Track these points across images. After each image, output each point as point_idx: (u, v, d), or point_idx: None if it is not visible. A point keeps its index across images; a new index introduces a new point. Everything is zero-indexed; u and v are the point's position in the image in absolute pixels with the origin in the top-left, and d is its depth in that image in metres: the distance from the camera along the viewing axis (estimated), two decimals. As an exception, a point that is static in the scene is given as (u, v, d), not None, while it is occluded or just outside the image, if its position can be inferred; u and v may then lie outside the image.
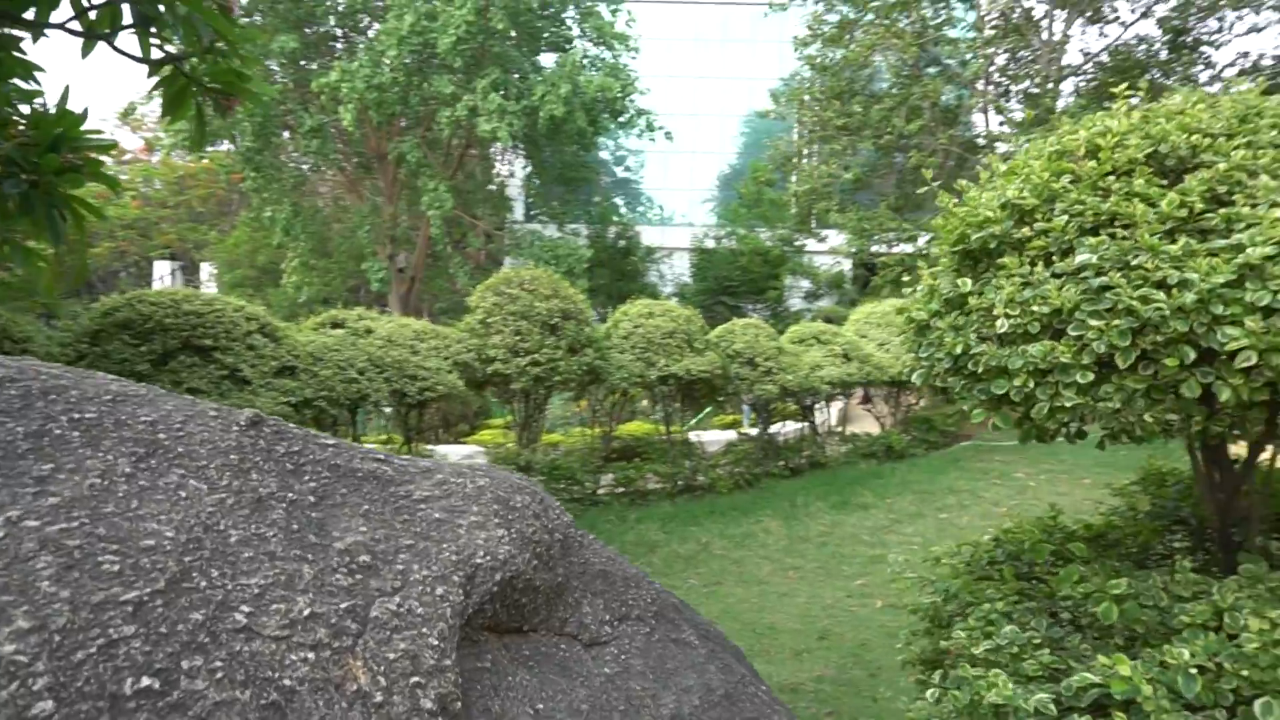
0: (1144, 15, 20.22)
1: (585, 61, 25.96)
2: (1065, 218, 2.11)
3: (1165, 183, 2.06)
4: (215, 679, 1.23)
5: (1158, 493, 3.16)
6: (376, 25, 25.29)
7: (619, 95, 25.11)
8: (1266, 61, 19.20)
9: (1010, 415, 2.20)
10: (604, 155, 37.86)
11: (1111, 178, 2.12)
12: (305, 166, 29.11)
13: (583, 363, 11.35)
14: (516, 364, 10.95)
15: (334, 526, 1.81)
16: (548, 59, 28.02)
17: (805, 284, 31.10)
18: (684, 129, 32.70)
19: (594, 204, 33.93)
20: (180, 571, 1.38)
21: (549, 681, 2.21)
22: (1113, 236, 2.01)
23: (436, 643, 1.68)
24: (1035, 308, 2.05)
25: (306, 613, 1.46)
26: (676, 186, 38.97)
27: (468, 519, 2.18)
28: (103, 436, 1.63)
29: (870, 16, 21.00)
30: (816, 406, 14.95)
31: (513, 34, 24.77)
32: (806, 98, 21.90)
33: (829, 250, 26.38)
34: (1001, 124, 20.15)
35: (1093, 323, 1.94)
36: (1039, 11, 20.40)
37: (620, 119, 26.46)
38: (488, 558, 2.08)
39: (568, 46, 26.87)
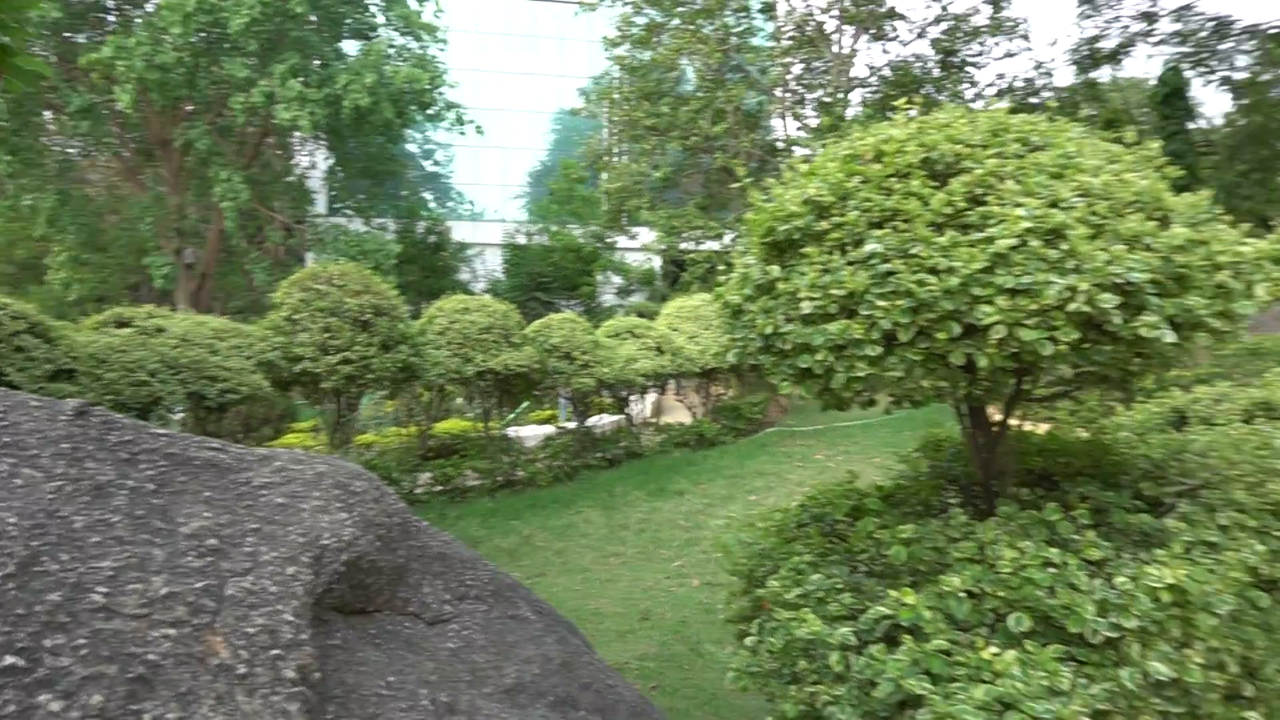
0: (920, 35, 22.25)
1: (392, 51, 25.18)
2: (856, 213, 2.43)
3: (936, 184, 2.43)
4: (80, 655, 1.24)
5: (935, 457, 3.63)
6: (156, -1, 23.32)
7: (427, 87, 24.56)
8: (1019, 83, 21.67)
9: (813, 387, 2.50)
10: (412, 148, 36.80)
11: (894, 179, 2.47)
12: (73, 151, 26.33)
13: (397, 360, 11.09)
14: (327, 362, 10.55)
15: (178, 512, 1.80)
16: (351, 46, 26.92)
17: (617, 280, 31.73)
18: (494, 124, 32.38)
19: (402, 198, 32.94)
20: (29, 556, 1.36)
21: (397, 657, 2.28)
22: (895, 229, 2.35)
23: (292, 618, 1.73)
24: (833, 291, 2.35)
25: (164, 592, 1.48)
26: (487, 182, 38.53)
27: (310, 503, 2.22)
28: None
29: (676, 21, 21.76)
30: (632, 398, 15.38)
31: (313, 18, 23.61)
32: (616, 97, 22.38)
33: (640, 247, 27.07)
34: (799, 129, 21.50)
35: (880, 304, 2.25)
36: (830, 26, 21.95)
37: (429, 111, 25.88)
38: (333, 539, 2.13)
39: (372, 35, 25.94)
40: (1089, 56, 23.61)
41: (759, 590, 3.15)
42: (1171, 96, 23.04)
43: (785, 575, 2.84)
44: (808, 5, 21.76)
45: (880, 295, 2.25)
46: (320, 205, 31.05)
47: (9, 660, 1.16)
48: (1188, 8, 24.32)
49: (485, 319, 12.19)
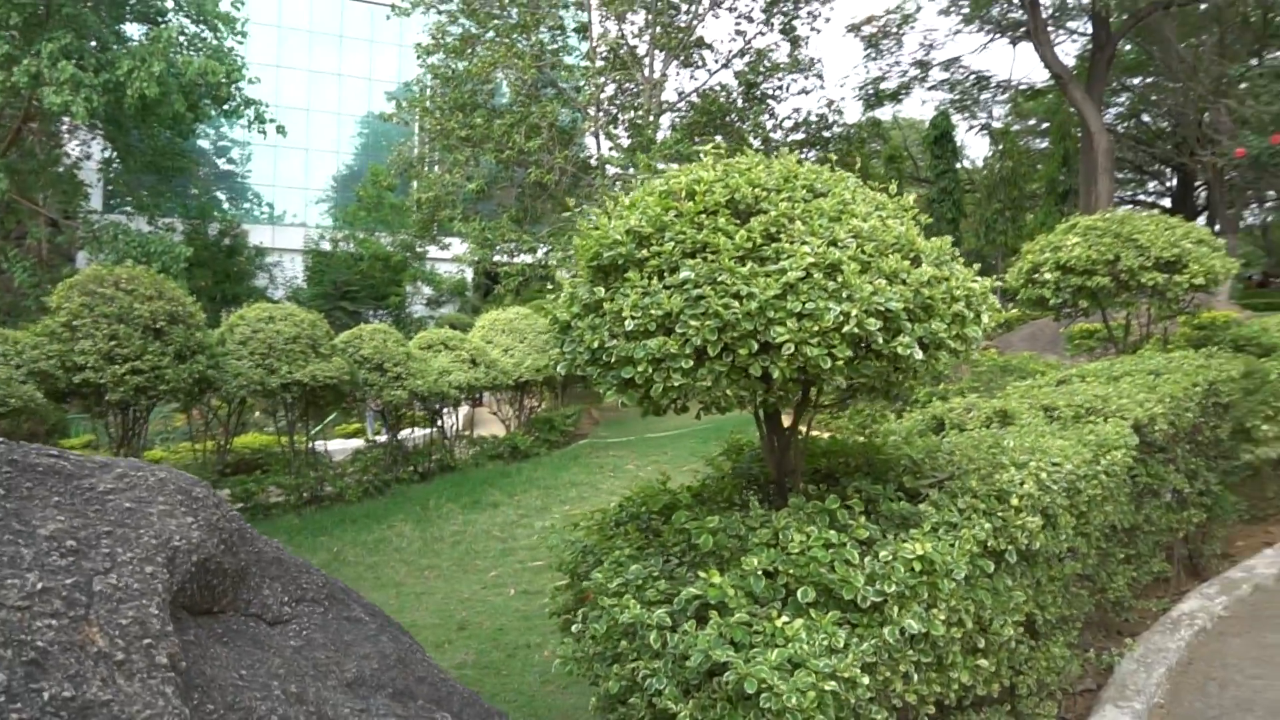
0: (725, 66, 23.63)
1: (183, 40, 23.54)
2: (672, 244, 2.79)
3: (739, 222, 2.83)
4: (-29, 643, 1.31)
5: (737, 459, 4.08)
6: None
7: (224, 80, 23.16)
8: (813, 117, 23.49)
9: (635, 395, 2.83)
10: (204, 144, 34.41)
11: (703, 215, 2.85)
12: None
13: (194, 370, 10.50)
14: (113, 372, 9.83)
15: (30, 516, 1.84)
16: (133, 29, 24.94)
17: (428, 290, 31.20)
18: (297, 125, 30.92)
19: (191, 197, 30.72)
20: (-99, 557, 1.40)
21: (245, 653, 2.38)
22: (704, 259, 2.72)
23: (157, 612, 1.83)
24: (652, 311, 2.69)
25: (39, 586, 1.56)
26: (288, 184, 36.58)
27: (156, 507, 2.29)
28: None
29: (491, 34, 21.89)
30: (444, 411, 15.30)
31: (89, -4, 21.67)
32: (429, 105, 22.14)
33: (452, 258, 26.81)
34: (611, 148, 22.18)
35: (692, 323, 2.62)
36: (642, 50, 22.85)
37: (225, 107, 24.41)
38: (184, 541, 2.22)
39: (161, 20, 24.14)
40: (874, 95, 26.01)
41: (583, 583, 3.43)
42: (941, 138, 25.81)
43: (608, 568, 3.14)
44: (620, 30, 22.54)
45: (692, 316, 2.61)
46: (95, 201, 28.38)
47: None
48: (955, 60, 27.37)
49: (291, 329, 11.77)
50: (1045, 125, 32.42)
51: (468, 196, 21.79)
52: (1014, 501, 3.21)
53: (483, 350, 15.36)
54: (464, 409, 17.51)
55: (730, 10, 23.40)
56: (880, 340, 2.60)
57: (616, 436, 17.93)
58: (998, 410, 5.03)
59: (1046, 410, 4.87)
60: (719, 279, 2.64)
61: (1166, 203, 31.62)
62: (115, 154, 26.61)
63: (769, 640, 2.60)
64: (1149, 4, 19.66)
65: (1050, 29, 23.13)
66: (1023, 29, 26.21)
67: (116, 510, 2.08)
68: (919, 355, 2.64)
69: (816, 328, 2.56)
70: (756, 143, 23.43)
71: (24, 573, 1.55)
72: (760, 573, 2.71)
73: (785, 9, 23.26)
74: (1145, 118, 31.35)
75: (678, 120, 23.92)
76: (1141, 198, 33.62)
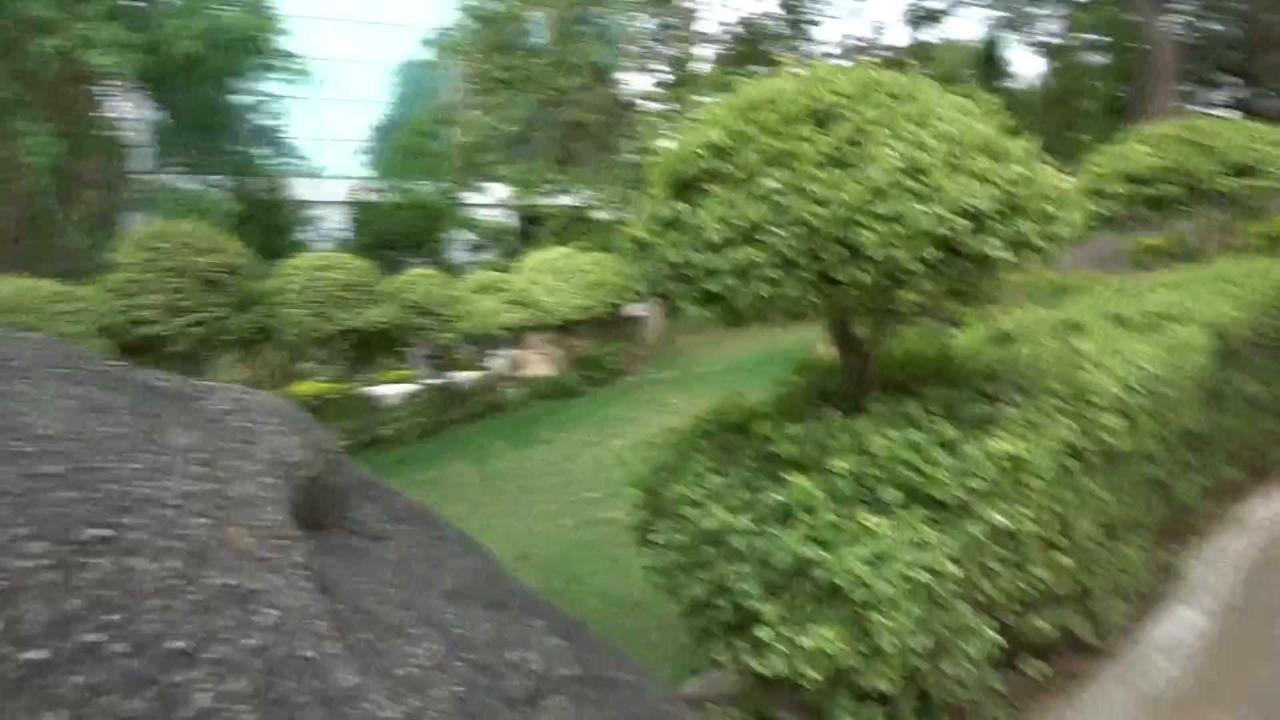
0: (765, -7, 23.02)
1: (220, -3, 23.49)
2: (754, 154, 2.79)
3: (821, 130, 2.82)
4: (150, 530, 1.42)
5: (809, 377, 4.11)
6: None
7: (260, 34, 23.16)
8: (858, 41, 22.84)
9: (718, 309, 2.87)
10: (245, 100, 34.46)
11: (785, 125, 2.84)
12: None
13: (253, 320, 10.75)
14: (176, 325, 10.11)
15: (164, 432, 1.95)
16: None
17: (469, 237, 31.26)
18: (334, 76, 30.89)
19: (235, 154, 30.93)
20: (79, 453, 1.51)
21: (355, 564, 2.51)
22: (788, 168, 2.72)
23: (285, 518, 1.94)
24: (736, 222, 2.71)
25: (185, 488, 1.66)
26: (328, 137, 36.64)
27: (268, 428, 2.40)
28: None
29: (530, -29, 21.53)
30: (494, 352, 15.49)
31: (128, -44, 21.69)
32: (468, 48, 21.91)
33: (493, 204, 26.80)
34: (653, 84, 21.83)
35: (778, 232, 2.63)
36: (680, -20, 22.30)
37: (264, 60, 24.44)
38: (296, 458, 2.33)
39: (199, -23, 24.07)
40: (920, 15, 25.15)
41: (664, 495, 3.51)
42: (990, 59, 24.93)
43: (689, 479, 3.22)
44: (657, -39, 22.01)
45: (778, 224, 2.63)
46: (144, 161, 28.75)
47: (102, 532, 1.34)
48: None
49: (345, 276, 11.96)
50: (1102, 41, 31.12)
51: (508, 139, 21.66)
52: (1097, 401, 3.21)
53: (528, 291, 15.46)
54: (513, 350, 17.71)
55: (768, -65, 22.76)
56: (969, 241, 2.60)
57: (660, 373, 18.01)
58: (1066, 320, 4.97)
59: (1118, 319, 4.80)
60: (803, 186, 2.64)
61: (1232, 114, 30.30)
62: (162, 114, 26.84)
63: (855, 538, 2.67)
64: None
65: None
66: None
67: (231, 430, 2.20)
68: (1007, 255, 2.63)
69: (905, 231, 2.56)
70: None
71: (174, 475, 1.66)
72: (848, 474, 2.77)
73: (824, -69, 22.55)
74: (1215, 24, 29.79)
75: (721, 52, 23.40)
76: (1206, 112, 32.32)
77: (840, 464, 2.78)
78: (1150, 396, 3.67)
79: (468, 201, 29.71)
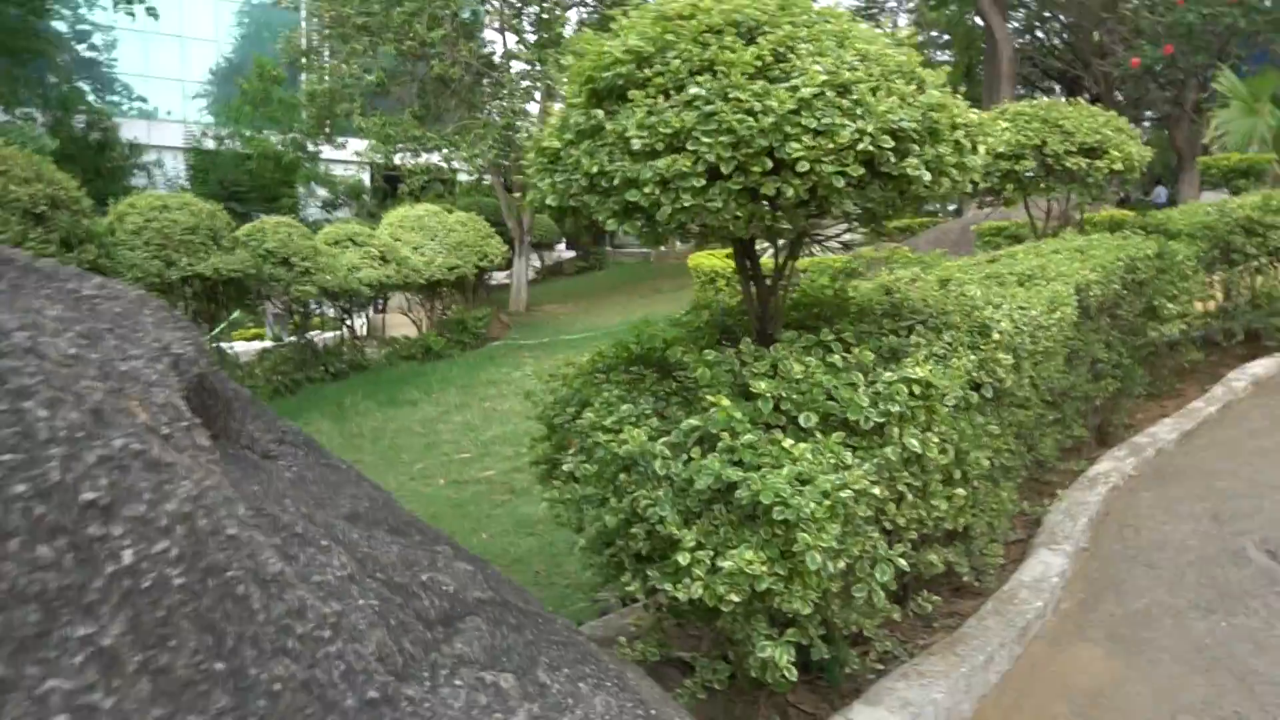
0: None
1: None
2: (678, 61, 2.68)
3: (745, 42, 2.74)
4: (39, 381, 1.16)
5: (706, 315, 4.06)
6: None
7: (85, -46, 20.96)
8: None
9: (636, 222, 2.74)
10: (60, 27, 31.18)
11: (708, 34, 2.74)
12: None
13: (82, 260, 9.76)
14: (-10, 260, 9.02)
15: (28, 302, 1.65)
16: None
17: (323, 193, 29.70)
18: (169, 9, 28.35)
19: (51, 86, 27.99)
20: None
21: (251, 475, 2.25)
22: (714, 76, 2.63)
23: (181, 401, 1.68)
24: (661, 129, 2.59)
25: (72, 352, 1.40)
26: (162, 75, 33.73)
27: (146, 318, 2.11)
28: None
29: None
30: (354, 311, 14.78)
31: None
32: (324, -11, 20.64)
33: (349, 160, 25.50)
34: (517, 43, 21.29)
35: (705, 140, 2.53)
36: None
37: (88, -16, 22.16)
38: (184, 350, 2.06)
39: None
40: None
41: (571, 427, 3.37)
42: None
43: (599, 408, 3.10)
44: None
45: (705, 132, 2.53)
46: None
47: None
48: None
49: (189, 218, 11.02)
50: (946, 38, 32.94)
51: (367, 90, 20.60)
52: (995, 337, 3.32)
53: (393, 247, 14.82)
54: (370, 311, 16.95)
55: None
56: (892, 160, 2.59)
57: (529, 339, 17.76)
58: (942, 280, 5.16)
59: (992, 275, 5.02)
60: (731, 95, 2.55)
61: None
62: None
63: (775, 461, 2.63)
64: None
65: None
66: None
67: (108, 313, 1.90)
68: (927, 178, 2.64)
69: (831, 145, 2.51)
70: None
71: (53, 339, 1.39)
72: (768, 396, 2.72)
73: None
74: (1039, 33, 32.17)
75: (585, 15, 23.10)
76: (1033, 112, 34.90)
77: (761, 385, 2.73)
78: (1031, 339, 3.84)
79: (322, 156, 28.15)
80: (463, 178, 27.08)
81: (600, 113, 2.75)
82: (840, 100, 2.56)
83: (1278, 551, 4.31)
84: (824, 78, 2.57)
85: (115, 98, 32.80)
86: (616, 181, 2.66)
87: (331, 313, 14.73)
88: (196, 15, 33.89)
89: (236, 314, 14.71)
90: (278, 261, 12.24)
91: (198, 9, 34.06)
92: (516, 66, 21.53)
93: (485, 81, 21.59)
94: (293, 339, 13.60)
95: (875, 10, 29.96)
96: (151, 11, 22.56)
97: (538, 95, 21.09)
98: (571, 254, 31.85)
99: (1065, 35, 29.57)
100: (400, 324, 17.79)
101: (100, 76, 32.87)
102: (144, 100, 33.30)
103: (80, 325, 1.66)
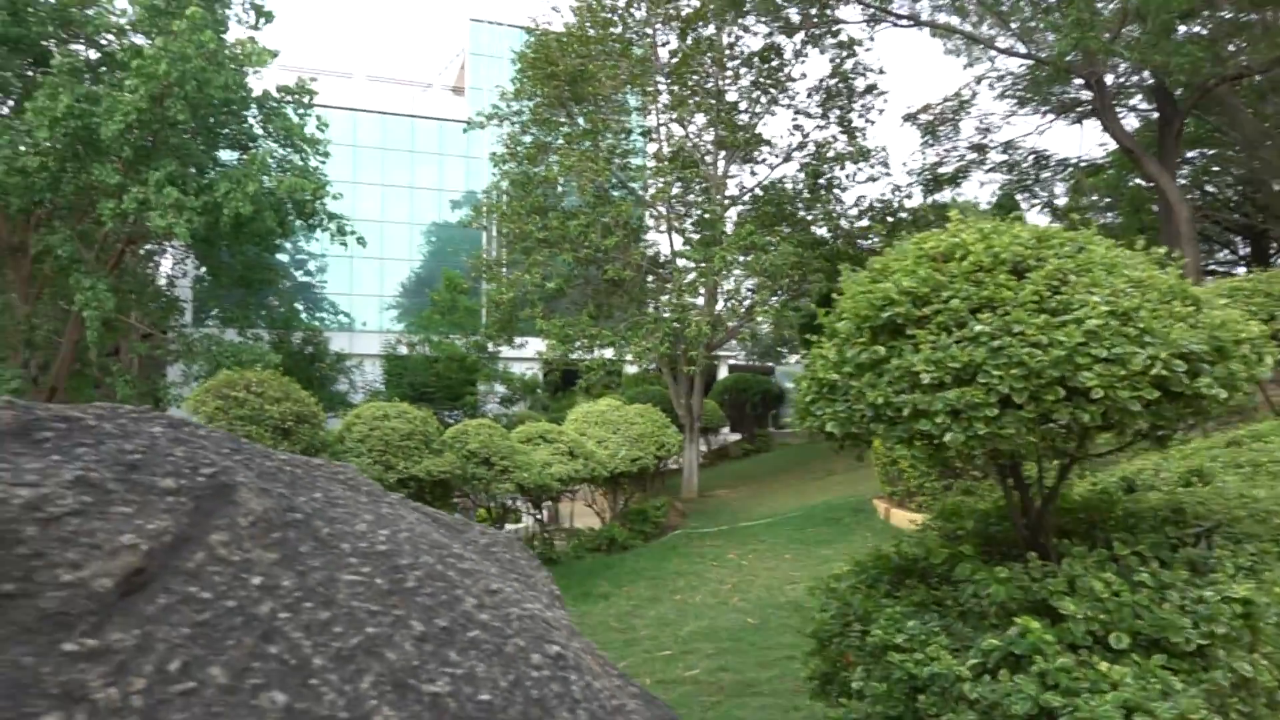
0: (786, 160, 24.29)
1: (272, 161, 24.97)
2: (957, 300, 2.92)
3: (1018, 278, 2.96)
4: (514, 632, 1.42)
5: (959, 523, 4.08)
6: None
7: (310, 198, 24.42)
8: (878, 203, 23.90)
9: (925, 449, 2.91)
10: (282, 258, 36.00)
11: (979, 273, 2.99)
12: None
13: (318, 467, 10.78)
14: (247, 472, 10.14)
15: (486, 570, 1.98)
16: (226, 155, 26.52)
17: (501, 389, 31.69)
18: (371, 235, 32.30)
19: (274, 308, 31.99)
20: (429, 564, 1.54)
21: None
22: (994, 313, 2.84)
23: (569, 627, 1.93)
24: (949, 364, 2.80)
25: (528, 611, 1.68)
26: (361, 293, 38.06)
27: (525, 561, 2.40)
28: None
29: (560, 141, 22.91)
30: (545, 503, 15.38)
31: (191, 125, 23.21)
32: (506, 210, 23.03)
33: (533, 355, 27.30)
34: (684, 244, 22.73)
35: (995, 373, 2.72)
36: (705, 148, 23.67)
37: (311, 221, 25.65)
38: (558, 591, 2.32)
39: (251, 145, 25.71)
40: (932, 180, 26.37)
41: (834, 655, 3.42)
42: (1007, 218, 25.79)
43: (885, 625, 3.16)
44: (685, 131, 23.42)
45: (995, 366, 2.72)
46: (186, 315, 29.76)
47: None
48: (1011, 143, 27.74)
49: (405, 425, 12.08)
50: (1106, 201, 32.46)
51: (546, 295, 22.35)
52: (1300, 546, 3.19)
53: (579, 442, 15.51)
54: (559, 502, 17.54)
55: (787, 106, 24.21)
56: (1185, 381, 2.67)
57: (707, 526, 17.75)
58: (1191, 469, 4.97)
59: (1253, 465, 4.80)
60: (1016, 330, 2.75)
61: (1242, 270, 31.18)
62: (207, 270, 27.96)
63: (1094, 686, 2.59)
64: (1216, 78, 19.88)
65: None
66: (1079, 108, 26.59)
67: (505, 560, 2.23)
68: (1222, 395, 2.70)
69: (1124, 371, 2.63)
70: (823, 230, 23.84)
71: (515, 605, 1.68)
72: (1079, 618, 2.72)
73: (840, 103, 23.97)
74: (1210, 188, 31.23)
75: (744, 213, 24.47)
76: (1213, 267, 33.28)
77: (1069, 606, 2.74)
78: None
79: (501, 355, 30.32)
80: (630, 369, 28.26)
81: (881, 349, 3.01)
82: (1125, 328, 2.71)
83: None
84: (1106, 308, 2.74)
85: (323, 314, 37.10)
86: (906, 412, 2.86)
87: (521, 506, 15.36)
88: (393, 239, 38.50)
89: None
90: (479, 461, 13.08)
91: (394, 233, 38.69)
92: (681, 262, 22.87)
93: (649, 279, 23.00)
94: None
95: (1029, 181, 30.12)
96: (361, 241, 25.67)
97: (702, 289, 22.20)
98: (736, 436, 32.08)
99: (1241, 188, 28.58)
100: (581, 514, 18.26)
101: (312, 296, 37.45)
102: (349, 315, 37.50)
103: (495, 570, 1.97)
